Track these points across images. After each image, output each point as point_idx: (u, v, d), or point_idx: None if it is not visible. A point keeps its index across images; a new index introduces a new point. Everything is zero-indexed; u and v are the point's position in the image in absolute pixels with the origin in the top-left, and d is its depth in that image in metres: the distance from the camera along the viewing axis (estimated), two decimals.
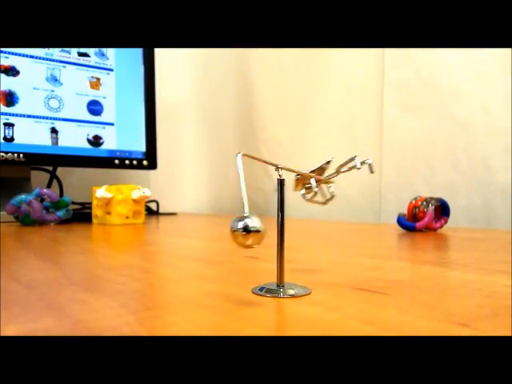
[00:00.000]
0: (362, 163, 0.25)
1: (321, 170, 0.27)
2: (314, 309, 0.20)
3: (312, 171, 0.26)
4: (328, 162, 0.27)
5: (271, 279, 0.24)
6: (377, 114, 0.91)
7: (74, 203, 0.88)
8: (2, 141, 0.85)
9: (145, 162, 1.02)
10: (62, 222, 0.77)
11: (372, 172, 0.25)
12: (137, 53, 1.03)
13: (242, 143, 1.19)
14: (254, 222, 0.20)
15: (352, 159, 0.25)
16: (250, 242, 0.20)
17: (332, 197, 0.27)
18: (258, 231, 0.20)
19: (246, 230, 0.20)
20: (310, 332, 0.17)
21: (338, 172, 0.26)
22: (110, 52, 0.99)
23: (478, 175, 0.77)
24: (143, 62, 1.03)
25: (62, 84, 0.92)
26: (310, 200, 0.26)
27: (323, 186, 0.27)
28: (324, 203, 0.27)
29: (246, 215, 0.20)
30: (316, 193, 0.26)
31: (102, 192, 0.76)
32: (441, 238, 0.53)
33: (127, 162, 1.00)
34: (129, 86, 1.02)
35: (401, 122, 0.87)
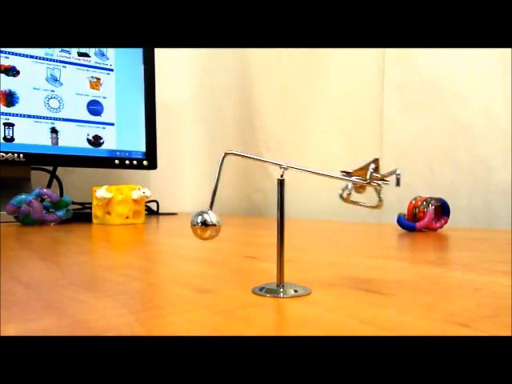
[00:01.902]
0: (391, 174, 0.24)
1: (363, 170, 0.25)
2: (314, 309, 0.20)
3: (355, 171, 0.25)
4: (375, 161, 0.25)
5: (271, 279, 0.24)
6: (377, 114, 0.91)
7: (74, 203, 0.88)
8: (2, 141, 0.85)
9: (145, 162, 1.02)
10: (62, 221, 0.77)
11: (398, 185, 0.23)
12: (137, 53, 1.03)
13: (242, 143, 1.19)
14: (211, 217, 0.22)
15: (393, 172, 0.24)
16: (207, 234, 0.22)
17: (380, 203, 0.25)
18: (214, 225, 0.22)
19: (204, 223, 0.22)
20: (309, 332, 0.17)
21: (370, 179, 0.24)
22: (110, 52, 0.99)
23: (478, 175, 0.77)
24: (143, 61, 1.03)
25: (62, 84, 0.92)
26: (346, 200, 0.25)
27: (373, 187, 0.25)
28: (371, 207, 0.25)
29: (203, 211, 0.22)
30: (350, 193, 0.25)
31: (102, 192, 0.76)
32: (441, 238, 0.53)
33: (127, 162, 1.00)
34: (129, 85, 1.02)
35: (401, 122, 0.87)
